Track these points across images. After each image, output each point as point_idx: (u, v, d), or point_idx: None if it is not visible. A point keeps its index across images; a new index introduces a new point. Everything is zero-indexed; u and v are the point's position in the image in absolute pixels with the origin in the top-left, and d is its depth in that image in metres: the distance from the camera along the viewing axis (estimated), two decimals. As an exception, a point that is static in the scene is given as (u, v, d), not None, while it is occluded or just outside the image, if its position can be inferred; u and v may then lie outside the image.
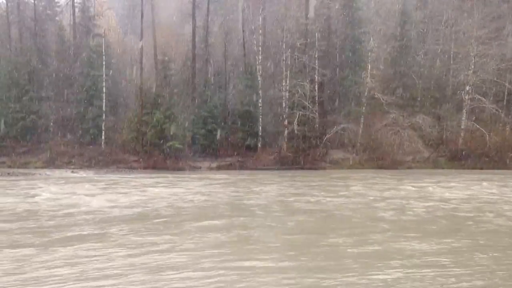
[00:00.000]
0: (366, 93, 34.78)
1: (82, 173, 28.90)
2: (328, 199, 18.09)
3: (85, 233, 11.74)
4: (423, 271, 8.76)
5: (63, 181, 23.91)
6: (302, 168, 31.90)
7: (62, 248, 10.04)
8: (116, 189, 20.80)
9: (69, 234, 11.61)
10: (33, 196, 18.34)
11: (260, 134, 35.24)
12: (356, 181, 24.78)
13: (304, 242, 11.18)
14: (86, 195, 18.44)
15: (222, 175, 27.78)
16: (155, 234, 11.69)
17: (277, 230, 12.57)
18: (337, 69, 37.30)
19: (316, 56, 35.22)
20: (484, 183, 23.34)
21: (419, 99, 37.32)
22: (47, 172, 29.22)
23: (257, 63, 36.12)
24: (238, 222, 13.47)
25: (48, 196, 18.14)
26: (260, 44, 36.44)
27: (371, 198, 18.43)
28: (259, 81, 35.60)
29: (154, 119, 32.40)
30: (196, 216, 14.37)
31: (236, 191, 20.61)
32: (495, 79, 34.60)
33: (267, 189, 21.20)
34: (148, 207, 15.90)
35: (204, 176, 27.69)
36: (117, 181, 24.40)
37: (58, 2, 45.93)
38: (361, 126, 34.96)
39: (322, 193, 19.75)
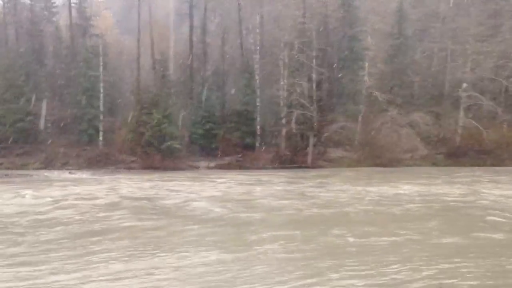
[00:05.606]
0: (363, 91, 34.76)
1: (79, 174, 28.82)
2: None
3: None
4: None
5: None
6: (300, 167, 31.86)
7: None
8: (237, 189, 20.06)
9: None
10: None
11: (258, 133, 35.20)
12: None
13: None
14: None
15: (284, 173, 27.14)
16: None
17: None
18: (335, 68, 37.23)
19: (313, 54, 35.17)
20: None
21: (416, 97, 37.33)
22: (45, 173, 29.16)
23: (255, 62, 36.08)
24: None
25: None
26: (257, 43, 36.41)
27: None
28: (257, 80, 35.55)
29: (152, 119, 32.35)
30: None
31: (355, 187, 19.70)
32: (492, 76, 34.63)
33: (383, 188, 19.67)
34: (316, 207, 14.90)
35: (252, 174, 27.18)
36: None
37: (55, 3, 45.86)
38: (359, 124, 34.90)
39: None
